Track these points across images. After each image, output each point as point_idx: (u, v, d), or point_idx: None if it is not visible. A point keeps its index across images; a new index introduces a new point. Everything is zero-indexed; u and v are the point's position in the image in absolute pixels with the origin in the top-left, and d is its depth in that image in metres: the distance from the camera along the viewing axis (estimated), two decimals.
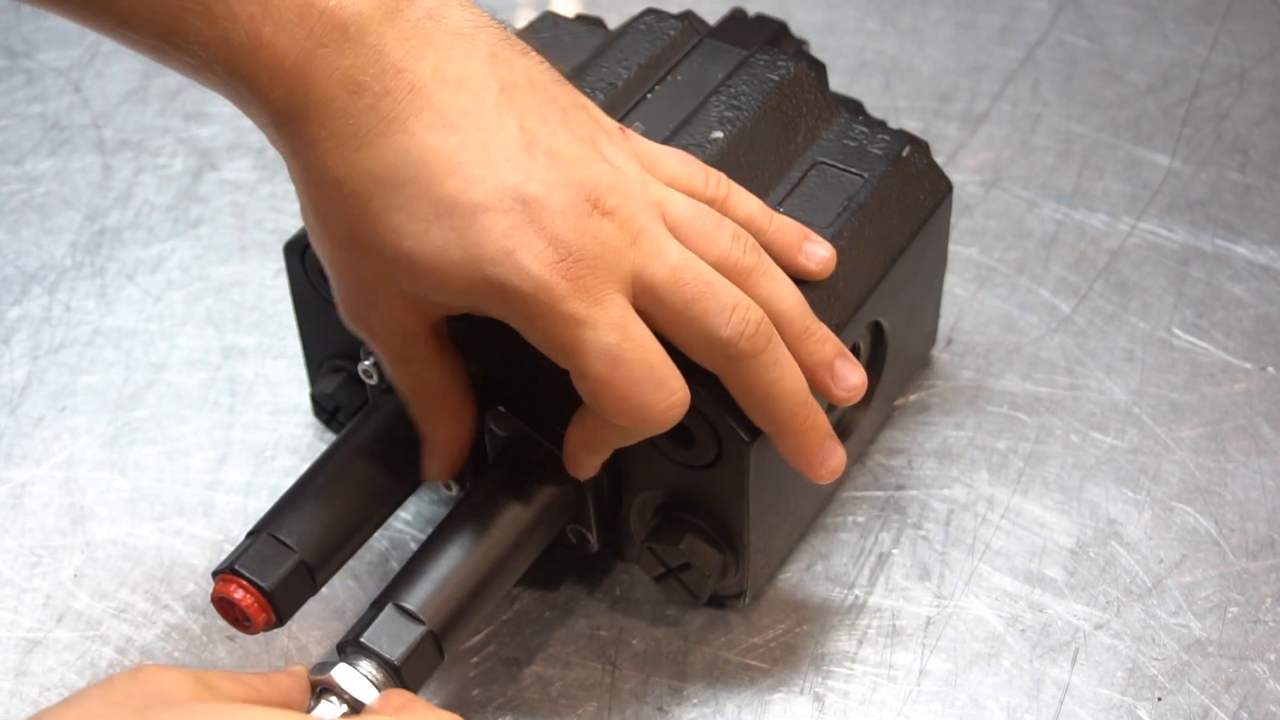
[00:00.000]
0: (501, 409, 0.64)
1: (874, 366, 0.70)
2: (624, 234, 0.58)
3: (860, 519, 0.71)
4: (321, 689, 0.58)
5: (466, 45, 0.58)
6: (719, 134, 0.67)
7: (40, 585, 0.69)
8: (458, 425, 0.63)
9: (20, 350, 0.78)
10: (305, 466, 0.64)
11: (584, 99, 0.61)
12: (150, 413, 0.75)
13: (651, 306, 0.59)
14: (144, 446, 0.74)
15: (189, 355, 0.78)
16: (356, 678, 0.58)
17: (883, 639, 0.67)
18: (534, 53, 0.60)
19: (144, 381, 0.77)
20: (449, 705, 0.65)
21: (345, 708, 0.57)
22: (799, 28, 0.84)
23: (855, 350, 0.69)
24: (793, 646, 0.67)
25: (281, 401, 0.75)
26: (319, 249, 0.60)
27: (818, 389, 0.61)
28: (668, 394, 0.58)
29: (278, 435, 0.74)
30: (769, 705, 0.65)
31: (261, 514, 0.62)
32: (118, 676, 0.52)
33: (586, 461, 0.63)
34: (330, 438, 0.73)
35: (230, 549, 0.61)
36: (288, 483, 0.63)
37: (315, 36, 0.55)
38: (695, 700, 0.65)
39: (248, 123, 0.58)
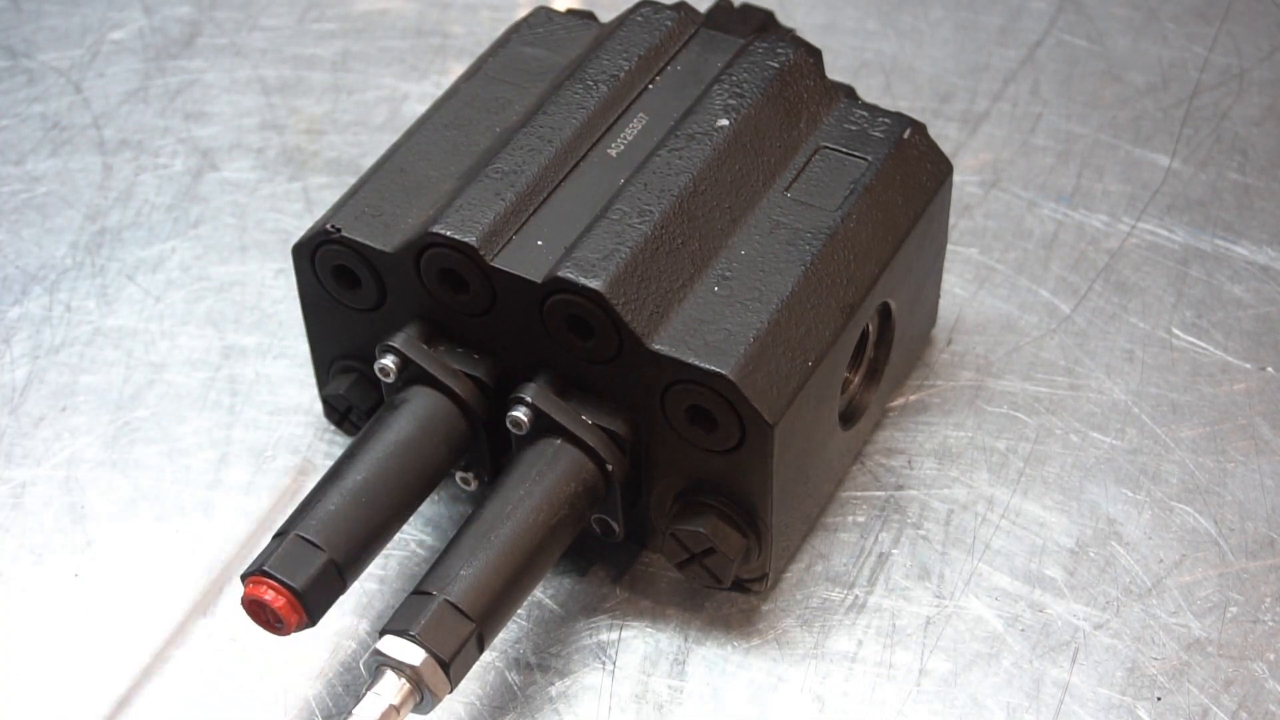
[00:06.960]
0: (528, 399, 0.64)
1: (882, 347, 0.71)
2: None
3: (860, 519, 0.71)
4: (378, 664, 0.58)
5: None
6: (725, 121, 0.68)
7: (40, 585, 0.69)
8: None
9: (20, 350, 0.78)
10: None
11: None
12: (150, 413, 0.75)
13: None
14: (144, 446, 0.74)
15: (189, 355, 0.78)
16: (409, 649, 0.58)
17: (883, 639, 0.67)
18: None
19: (144, 381, 0.77)
20: (446, 706, 0.65)
21: (404, 682, 0.58)
22: (800, 28, 0.84)
23: (865, 333, 0.69)
24: (793, 646, 0.67)
25: (281, 401, 0.75)
26: None
27: None
28: None
29: (278, 435, 0.74)
30: (769, 705, 0.65)
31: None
32: None
33: None
34: (332, 438, 0.73)
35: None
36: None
37: None
38: (695, 700, 0.65)
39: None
